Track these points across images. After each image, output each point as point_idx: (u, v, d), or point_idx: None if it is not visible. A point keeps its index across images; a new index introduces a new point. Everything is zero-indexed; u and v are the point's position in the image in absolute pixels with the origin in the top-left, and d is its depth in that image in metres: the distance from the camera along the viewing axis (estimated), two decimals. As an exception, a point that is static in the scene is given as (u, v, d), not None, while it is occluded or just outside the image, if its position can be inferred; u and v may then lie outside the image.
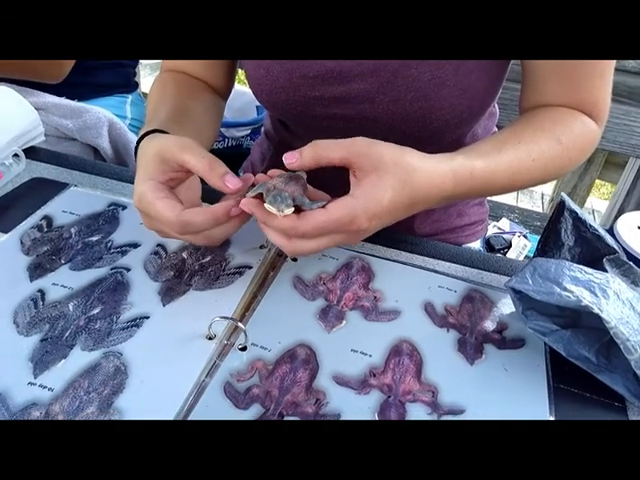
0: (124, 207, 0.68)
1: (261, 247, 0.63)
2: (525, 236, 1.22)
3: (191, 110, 0.68)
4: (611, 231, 0.64)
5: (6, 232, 0.63)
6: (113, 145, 1.02)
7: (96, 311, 0.54)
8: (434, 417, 0.47)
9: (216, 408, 0.46)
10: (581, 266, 0.52)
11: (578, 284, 0.49)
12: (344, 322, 0.55)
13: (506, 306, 0.58)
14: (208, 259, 0.61)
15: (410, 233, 0.78)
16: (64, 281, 0.57)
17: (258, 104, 1.26)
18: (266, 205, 0.49)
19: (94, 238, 0.63)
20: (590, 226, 0.57)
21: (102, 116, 0.98)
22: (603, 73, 0.62)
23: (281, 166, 0.52)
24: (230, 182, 0.51)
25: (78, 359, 0.49)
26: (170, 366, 0.49)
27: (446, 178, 0.53)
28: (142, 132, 0.59)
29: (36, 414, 0.45)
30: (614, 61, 0.63)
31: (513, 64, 0.70)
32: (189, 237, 0.54)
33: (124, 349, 0.50)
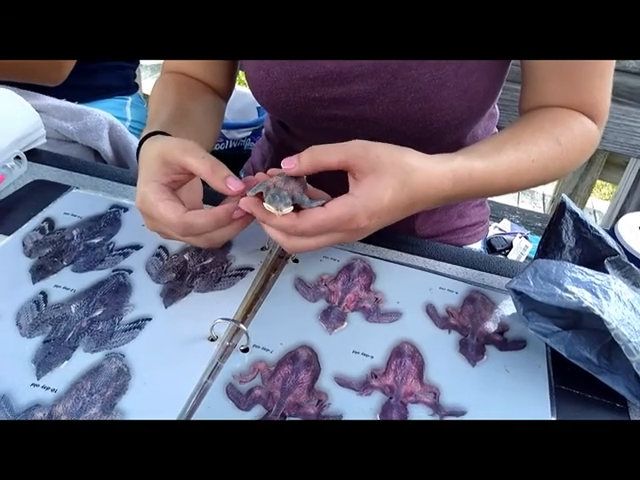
0: (126, 209, 0.69)
1: (262, 249, 0.63)
2: (526, 237, 1.22)
3: (192, 112, 0.68)
4: (612, 232, 0.64)
5: (8, 234, 0.63)
6: (114, 147, 1.02)
7: (98, 313, 0.54)
8: (436, 418, 0.47)
9: (218, 409, 0.46)
10: (582, 267, 0.52)
11: (579, 285, 0.49)
12: (345, 323, 0.55)
13: (507, 307, 0.59)
14: (210, 261, 0.61)
15: (411, 234, 0.78)
16: (66, 283, 0.57)
17: (259, 105, 1.26)
18: (265, 204, 0.49)
19: (96, 240, 0.63)
20: (591, 227, 0.57)
21: (102, 118, 0.98)
22: (603, 74, 0.62)
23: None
24: (232, 184, 0.51)
25: (81, 361, 0.49)
26: (172, 368, 0.49)
27: (445, 178, 0.53)
28: (144, 134, 0.59)
29: (39, 415, 0.45)
30: (614, 62, 0.63)
31: (513, 65, 0.70)
32: (191, 239, 0.55)
33: (126, 351, 0.50)
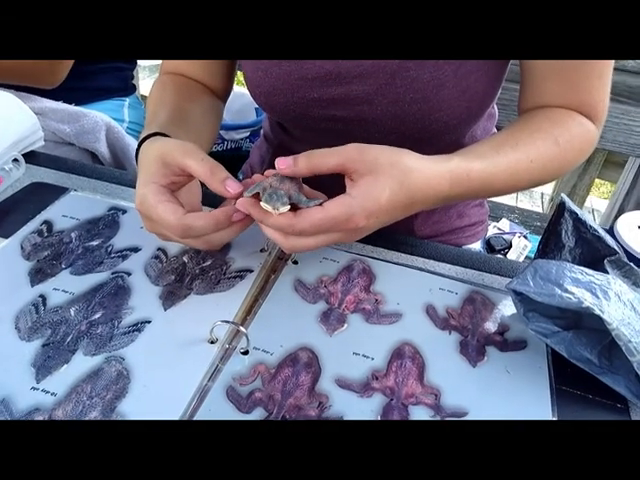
0: (124, 211, 0.68)
1: (262, 250, 0.63)
2: (525, 237, 1.22)
3: (190, 113, 0.68)
4: (611, 231, 0.64)
5: (6, 237, 0.63)
6: (111, 149, 1.02)
7: (97, 316, 0.54)
8: (437, 420, 0.47)
9: (219, 412, 0.46)
10: (582, 267, 0.52)
11: (579, 285, 0.49)
12: (345, 325, 0.55)
13: (507, 308, 0.58)
14: (209, 263, 0.61)
15: (410, 234, 0.78)
16: (65, 286, 0.57)
17: (257, 106, 1.26)
18: (262, 204, 0.49)
19: (94, 242, 0.63)
20: (590, 227, 0.57)
21: (99, 120, 0.98)
22: (602, 74, 0.62)
23: None
24: (231, 187, 0.51)
25: (80, 364, 0.49)
26: (172, 370, 0.49)
27: (442, 179, 0.53)
28: (143, 135, 0.59)
29: (39, 419, 0.45)
30: (613, 62, 0.63)
31: (512, 64, 0.70)
32: (190, 241, 0.55)
33: (126, 354, 0.50)
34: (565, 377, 0.51)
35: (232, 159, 1.17)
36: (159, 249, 0.62)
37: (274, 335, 0.53)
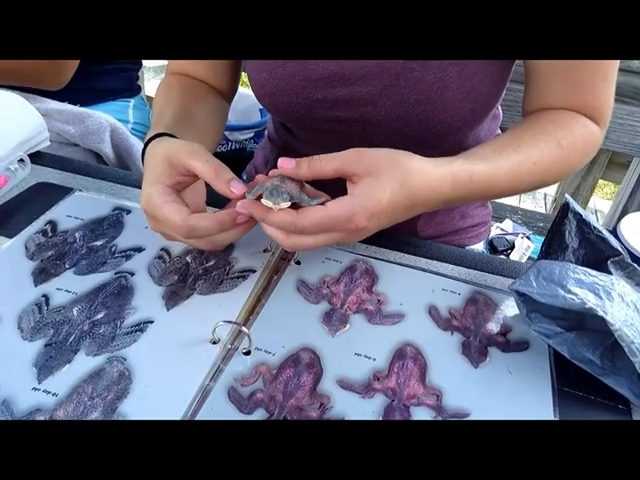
0: (128, 211, 0.69)
1: (265, 251, 0.63)
2: (528, 237, 1.22)
3: (195, 113, 0.68)
4: (615, 232, 0.64)
5: (11, 237, 0.63)
6: (115, 150, 1.03)
7: (100, 316, 0.54)
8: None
9: (220, 413, 0.46)
10: (585, 268, 0.52)
11: (582, 286, 0.49)
12: (348, 326, 0.55)
13: (510, 308, 0.58)
14: (212, 263, 0.61)
15: (413, 235, 0.78)
16: (68, 286, 0.57)
17: (261, 107, 1.26)
18: (263, 200, 0.49)
19: (98, 242, 0.63)
20: (594, 228, 0.57)
21: (104, 121, 0.99)
22: (606, 75, 0.62)
23: None
24: (235, 188, 0.52)
25: (82, 364, 0.49)
26: (174, 371, 0.49)
27: (444, 181, 0.53)
28: (149, 135, 0.60)
29: (40, 419, 0.45)
30: (617, 64, 0.63)
31: (516, 65, 0.70)
32: (194, 241, 0.55)
33: (128, 354, 0.50)
34: (567, 378, 0.51)
35: (236, 160, 1.17)
36: (162, 249, 0.63)
37: (276, 335, 0.53)
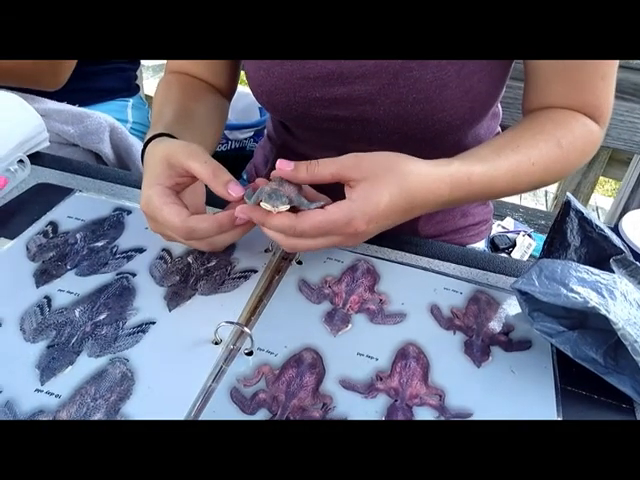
0: (129, 212, 0.68)
1: (266, 251, 0.63)
2: (530, 235, 1.22)
3: (195, 112, 0.68)
4: (616, 229, 0.64)
5: (12, 238, 0.63)
6: (115, 150, 1.02)
7: (102, 317, 0.54)
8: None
9: (223, 414, 0.46)
10: (588, 267, 0.52)
11: (585, 285, 0.49)
12: (350, 325, 0.55)
13: (512, 307, 0.58)
14: (213, 263, 0.61)
15: (414, 234, 0.78)
16: (70, 287, 0.57)
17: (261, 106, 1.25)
18: (262, 204, 0.50)
19: (99, 243, 0.63)
20: (596, 226, 0.57)
21: (103, 121, 0.98)
22: (605, 74, 0.62)
23: None
24: (233, 190, 0.52)
25: (85, 365, 0.49)
26: (176, 371, 0.49)
27: (442, 183, 0.54)
28: (149, 135, 0.60)
29: (44, 420, 0.45)
30: (617, 63, 0.63)
31: (516, 62, 0.70)
32: (193, 242, 0.56)
33: (130, 355, 0.50)
34: (570, 377, 0.51)
35: (236, 159, 1.16)
36: (164, 250, 0.62)
37: (278, 336, 0.53)
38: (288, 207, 0.50)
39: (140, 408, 0.46)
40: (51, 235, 0.64)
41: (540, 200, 2.79)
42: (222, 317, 0.52)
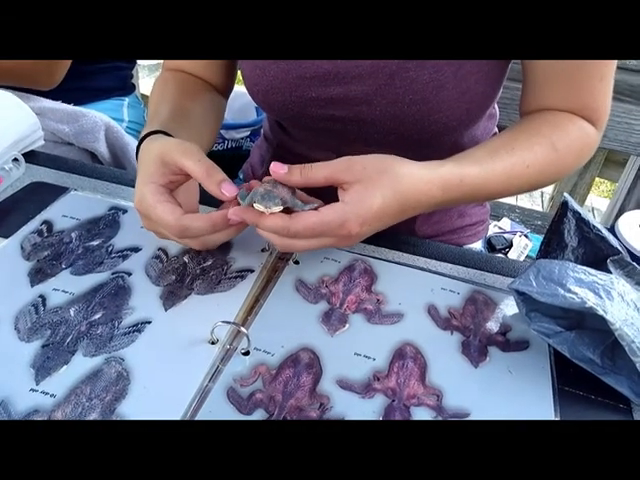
0: (125, 211, 0.68)
1: (263, 250, 0.63)
2: (526, 236, 1.22)
3: (191, 111, 0.68)
4: (612, 230, 0.64)
5: (6, 237, 0.63)
6: (110, 149, 1.02)
7: (97, 316, 0.54)
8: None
9: (219, 413, 0.46)
10: (585, 267, 0.52)
11: (582, 285, 0.49)
12: (347, 325, 0.55)
13: (509, 307, 0.58)
14: (210, 263, 0.61)
15: (411, 234, 0.78)
16: (65, 286, 0.57)
17: (257, 105, 1.25)
18: (255, 205, 0.50)
19: (95, 242, 0.63)
20: (593, 227, 0.57)
21: (99, 120, 0.98)
22: (603, 77, 0.62)
23: None
24: (226, 189, 0.52)
25: (80, 365, 0.49)
26: (173, 371, 0.49)
27: (433, 185, 0.54)
28: (144, 132, 0.60)
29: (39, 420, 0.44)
30: (614, 66, 0.62)
31: (514, 63, 0.70)
32: (187, 241, 0.56)
33: (126, 354, 0.50)
34: (568, 377, 0.51)
35: (233, 158, 1.16)
36: (160, 249, 0.62)
37: (275, 335, 0.53)
38: (281, 208, 0.50)
39: (136, 408, 0.46)
40: (46, 234, 0.64)
41: (536, 201, 2.80)
42: (218, 317, 0.52)
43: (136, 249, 0.62)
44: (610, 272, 0.55)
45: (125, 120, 1.10)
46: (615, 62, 0.62)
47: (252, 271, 0.60)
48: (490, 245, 1.18)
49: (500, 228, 1.25)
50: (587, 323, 0.51)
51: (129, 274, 0.59)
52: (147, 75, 3.05)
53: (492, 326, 0.56)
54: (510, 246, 1.18)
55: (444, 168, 0.55)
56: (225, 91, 0.80)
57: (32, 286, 0.56)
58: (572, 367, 0.50)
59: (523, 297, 0.51)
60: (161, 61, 0.79)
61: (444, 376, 0.50)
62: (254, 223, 0.52)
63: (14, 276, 0.57)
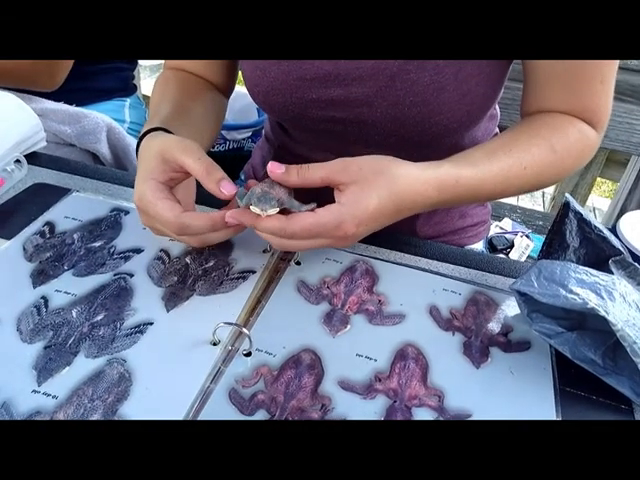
0: (127, 212, 0.68)
1: (264, 251, 0.63)
2: (527, 236, 1.22)
3: (192, 110, 0.68)
4: (614, 230, 0.64)
5: (8, 239, 0.63)
6: (112, 150, 1.02)
7: (100, 317, 0.54)
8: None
9: (221, 415, 0.46)
10: (587, 268, 0.52)
11: (584, 286, 0.49)
12: (349, 326, 0.55)
13: (511, 308, 0.58)
14: (211, 264, 0.61)
15: (413, 235, 0.78)
16: (67, 287, 0.57)
17: (259, 106, 1.25)
18: (251, 207, 0.51)
19: (97, 244, 0.63)
20: (595, 227, 0.57)
21: (100, 121, 0.98)
22: (604, 79, 0.62)
23: None
24: (225, 188, 0.52)
25: (82, 366, 0.49)
26: (174, 372, 0.49)
27: (429, 185, 0.54)
28: (145, 129, 0.60)
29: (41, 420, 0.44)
30: (616, 67, 0.62)
31: (515, 63, 0.70)
32: (185, 238, 0.56)
33: (128, 356, 0.50)
34: (569, 378, 0.51)
35: (234, 159, 1.16)
36: (162, 250, 0.62)
37: (277, 336, 0.53)
38: (277, 210, 0.51)
39: (138, 409, 0.46)
40: (48, 235, 0.64)
41: (537, 201, 2.80)
42: (220, 318, 0.52)
43: (138, 250, 0.62)
44: (612, 273, 0.55)
45: (127, 121, 1.10)
46: (616, 64, 0.62)
47: (254, 272, 0.60)
48: (491, 245, 1.18)
49: (501, 228, 1.25)
50: (589, 324, 0.51)
51: (131, 275, 0.59)
52: (149, 76, 3.06)
53: (494, 327, 0.56)
54: (511, 246, 1.18)
55: (440, 169, 0.55)
56: (226, 90, 0.80)
57: (34, 287, 0.57)
58: (573, 368, 0.50)
59: (525, 298, 0.51)
60: (163, 62, 0.79)
61: (446, 377, 0.50)
62: (251, 225, 0.52)
63: (16, 277, 0.58)
